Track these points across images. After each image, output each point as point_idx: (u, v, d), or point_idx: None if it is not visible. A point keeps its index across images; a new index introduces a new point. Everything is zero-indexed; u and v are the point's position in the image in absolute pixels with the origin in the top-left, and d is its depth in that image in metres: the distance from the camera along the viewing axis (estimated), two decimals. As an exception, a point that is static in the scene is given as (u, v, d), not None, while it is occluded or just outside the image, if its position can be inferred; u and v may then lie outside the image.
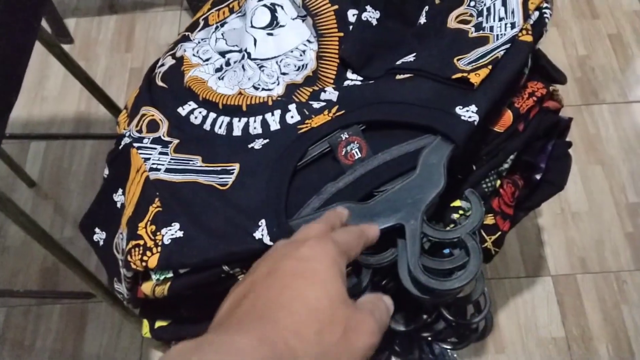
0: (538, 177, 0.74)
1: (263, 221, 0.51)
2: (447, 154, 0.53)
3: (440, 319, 0.63)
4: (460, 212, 0.59)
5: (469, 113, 0.53)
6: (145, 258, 0.53)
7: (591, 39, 1.47)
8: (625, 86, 1.39)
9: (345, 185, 0.54)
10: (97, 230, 0.68)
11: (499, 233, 0.65)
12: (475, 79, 0.54)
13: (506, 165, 0.63)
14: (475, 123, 0.53)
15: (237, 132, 0.60)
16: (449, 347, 0.65)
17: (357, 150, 0.55)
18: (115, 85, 1.47)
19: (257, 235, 0.51)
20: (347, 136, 0.55)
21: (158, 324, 0.66)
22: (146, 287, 0.57)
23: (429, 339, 0.65)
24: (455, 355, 0.75)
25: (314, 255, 0.34)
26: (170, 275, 0.55)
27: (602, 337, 1.09)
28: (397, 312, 0.65)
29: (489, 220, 0.64)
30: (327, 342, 0.30)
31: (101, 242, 0.67)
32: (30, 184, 1.31)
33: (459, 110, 0.54)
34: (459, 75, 0.55)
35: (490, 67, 0.55)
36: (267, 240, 0.50)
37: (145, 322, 0.67)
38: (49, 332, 1.16)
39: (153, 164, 0.59)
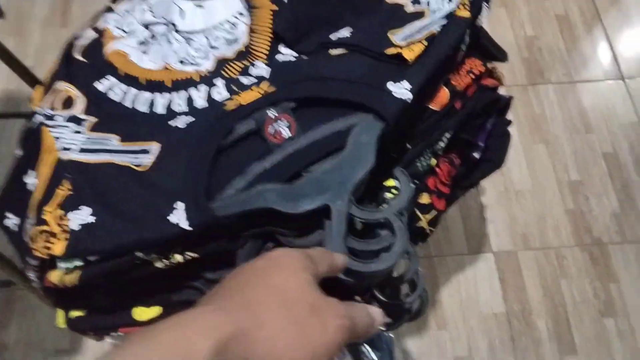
0: (477, 155, 0.73)
1: (180, 204, 0.48)
2: (377, 132, 0.51)
3: (373, 300, 0.62)
4: (394, 191, 0.58)
5: (401, 90, 0.51)
6: (50, 245, 0.49)
7: (539, 19, 1.47)
8: (571, 67, 1.40)
9: (272, 166, 0.51)
10: (8, 214, 0.63)
11: (435, 212, 0.64)
12: (409, 54, 0.52)
13: (442, 144, 0.61)
14: (408, 100, 0.51)
15: (160, 109, 0.57)
16: (382, 328, 0.64)
17: (285, 128, 0.52)
18: (50, 62, 1.38)
19: (173, 219, 0.48)
20: (275, 114, 0.52)
21: (73, 313, 0.62)
22: (54, 276, 0.53)
23: (363, 320, 0.63)
24: (391, 335, 0.75)
25: (282, 254, 0.35)
26: (80, 263, 0.51)
27: (541, 312, 1.11)
28: (328, 294, 0.63)
29: (424, 199, 0.63)
30: (294, 314, 0.30)
31: (13, 227, 0.62)
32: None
33: (391, 86, 0.52)
34: (393, 50, 0.53)
35: (425, 42, 0.53)
36: (184, 224, 0.47)
37: (61, 312, 0.63)
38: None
39: (65, 143, 0.55)
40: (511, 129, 0.76)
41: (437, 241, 1.18)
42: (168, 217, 0.47)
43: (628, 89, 1.37)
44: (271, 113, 0.51)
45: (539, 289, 1.13)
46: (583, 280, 1.14)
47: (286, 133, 0.51)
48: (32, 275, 0.56)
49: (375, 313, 0.37)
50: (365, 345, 0.72)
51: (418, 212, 0.63)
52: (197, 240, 0.51)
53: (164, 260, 0.51)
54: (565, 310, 1.11)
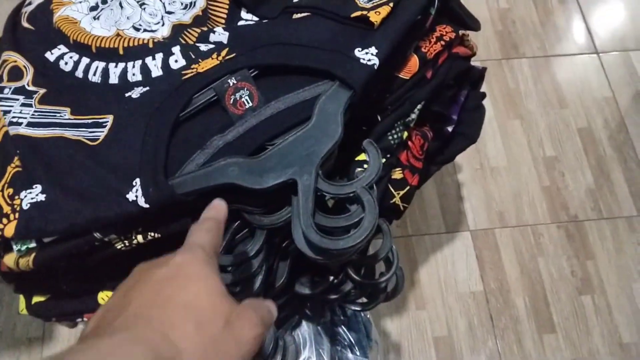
0: (450, 129, 0.71)
1: (137, 180, 0.45)
2: (345, 101, 0.48)
3: (347, 280, 0.59)
4: (365, 166, 0.55)
5: (368, 56, 0.49)
6: (0, 226, 0.46)
7: (513, -8, 1.45)
8: (545, 40, 1.39)
9: (234, 138, 0.48)
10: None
11: (408, 187, 0.61)
12: (375, 17, 0.49)
13: (413, 116, 0.59)
14: (375, 67, 0.48)
15: (113, 79, 0.53)
16: (358, 308, 0.62)
17: (247, 98, 0.49)
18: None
19: (131, 196, 0.45)
20: (235, 82, 0.49)
21: (35, 299, 0.59)
22: (8, 260, 0.49)
23: (338, 301, 0.61)
24: (368, 316, 0.73)
25: (186, 261, 0.33)
26: (34, 245, 0.48)
27: (519, 289, 1.11)
28: (302, 275, 0.61)
29: (397, 174, 0.61)
30: (210, 334, 0.29)
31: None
32: None
33: (357, 52, 0.49)
34: (358, 13, 0.50)
35: (391, 4, 0.50)
36: (141, 202, 0.44)
37: (22, 298, 0.60)
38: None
39: (13, 117, 0.51)
40: (486, 104, 0.74)
41: (414, 220, 1.16)
42: (126, 195, 0.44)
43: (602, 63, 1.36)
44: (231, 81, 0.48)
45: (516, 267, 1.13)
46: (560, 258, 1.14)
47: (248, 103, 0.48)
48: None
49: (272, 307, 0.36)
50: (342, 327, 0.70)
51: (391, 188, 0.61)
52: (157, 219, 0.48)
53: (125, 242, 0.48)
54: (543, 288, 1.11)
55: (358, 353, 0.68)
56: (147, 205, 0.44)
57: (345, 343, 0.69)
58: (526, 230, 1.16)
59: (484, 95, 0.77)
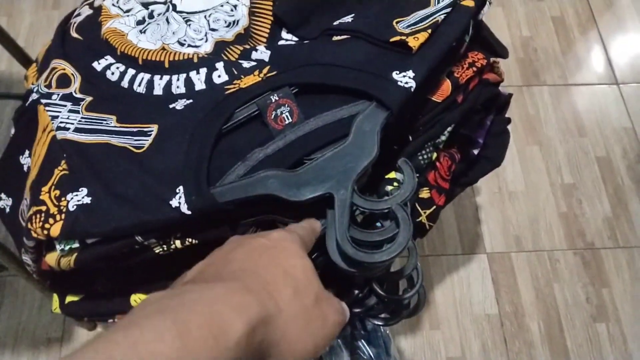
0: (476, 152, 0.73)
1: (181, 188, 0.47)
2: (381, 121, 0.50)
3: (371, 294, 0.61)
4: (395, 184, 0.57)
5: (405, 78, 0.51)
6: (47, 226, 0.48)
7: (535, 20, 1.48)
8: (565, 69, 1.41)
9: (274, 152, 0.50)
10: (2, 196, 0.62)
11: (434, 207, 0.63)
12: (413, 42, 0.51)
13: (443, 137, 0.60)
14: (412, 89, 0.50)
15: (158, 90, 0.56)
16: (380, 323, 0.63)
17: (287, 114, 0.51)
18: (40, 44, 1.37)
19: (174, 203, 0.47)
20: (277, 98, 0.51)
21: (69, 298, 0.61)
22: (50, 258, 0.52)
23: (361, 315, 0.63)
24: (387, 332, 0.74)
25: (283, 238, 0.35)
26: (77, 245, 0.50)
27: (534, 314, 1.11)
28: (327, 287, 0.62)
29: (424, 193, 0.62)
30: (303, 304, 0.30)
31: (7, 209, 0.61)
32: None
33: (395, 75, 0.51)
34: (397, 38, 0.52)
35: (429, 30, 0.52)
36: (184, 208, 0.46)
37: (55, 297, 0.62)
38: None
39: (61, 122, 0.54)
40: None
41: (431, 240, 1.17)
42: (169, 202, 0.46)
43: (622, 93, 1.38)
44: (273, 97, 0.50)
45: (531, 291, 1.13)
46: (575, 284, 1.14)
47: (288, 119, 0.50)
48: (27, 258, 0.55)
49: (346, 310, 0.37)
50: (362, 341, 0.71)
51: (418, 207, 0.63)
52: (196, 226, 0.49)
53: (163, 246, 0.50)
54: (557, 314, 1.11)
55: (377, 368, 0.69)
56: (189, 212, 0.46)
57: (365, 357, 0.70)
58: (542, 256, 1.17)
59: (509, 120, 0.79)
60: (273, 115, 0.51)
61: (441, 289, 1.13)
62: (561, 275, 1.15)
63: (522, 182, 1.25)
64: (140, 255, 0.52)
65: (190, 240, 0.50)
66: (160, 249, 0.51)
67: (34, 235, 0.49)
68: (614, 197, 1.24)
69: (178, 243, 0.50)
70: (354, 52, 0.53)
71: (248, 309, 0.26)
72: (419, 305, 0.67)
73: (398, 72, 0.51)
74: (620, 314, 1.11)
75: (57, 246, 0.50)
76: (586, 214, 1.22)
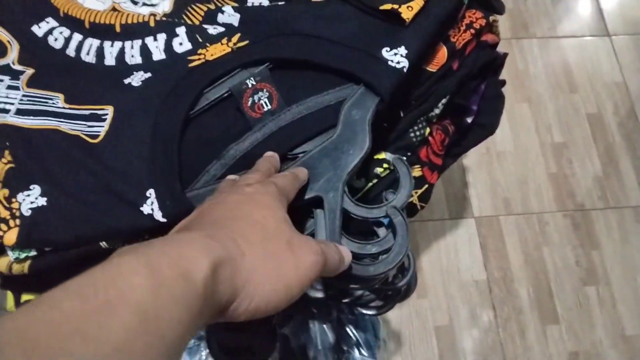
0: (469, 120, 0.67)
1: (152, 191, 0.41)
2: (372, 107, 0.43)
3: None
4: (385, 165, 0.51)
5: (397, 57, 0.44)
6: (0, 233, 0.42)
7: (524, -32, 1.39)
8: (555, 20, 1.34)
9: (252, 146, 0.44)
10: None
11: (426, 186, 0.57)
12: (407, 13, 0.45)
13: (437, 111, 0.54)
14: (405, 69, 0.44)
15: (109, 60, 0.48)
16: (371, 312, 0.58)
17: (266, 100, 0.44)
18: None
19: (146, 209, 0.40)
20: (254, 83, 0.44)
21: (24, 297, 0.55)
22: (1, 264, 0.45)
23: (350, 305, 0.58)
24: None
25: (258, 191, 0.36)
26: (34, 253, 0.43)
27: (523, 279, 1.08)
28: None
29: (416, 172, 0.56)
30: (272, 249, 0.32)
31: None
32: None
33: (385, 53, 0.44)
34: (388, 6, 0.45)
35: (423, -1, 0.45)
36: (158, 215, 0.40)
37: (10, 295, 0.56)
38: None
39: (0, 102, 0.46)
40: None
41: (417, 206, 1.12)
42: (140, 208, 0.40)
43: (613, 46, 1.32)
44: (250, 82, 0.43)
45: (520, 256, 1.10)
46: (565, 247, 1.12)
47: (267, 105, 0.43)
48: None
49: (344, 251, 0.37)
50: (350, 326, 0.67)
51: (409, 186, 0.57)
52: (168, 229, 0.43)
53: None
54: (547, 278, 1.09)
55: (366, 353, 0.66)
56: (164, 220, 0.40)
57: (353, 342, 0.66)
58: (532, 218, 1.13)
59: (503, 82, 0.73)
60: (250, 102, 0.44)
61: (428, 256, 1.09)
62: (550, 238, 1.12)
63: (511, 142, 1.20)
64: (104, 258, 0.45)
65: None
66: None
67: (-17, 241, 0.42)
68: (605, 156, 1.20)
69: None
70: (337, 21, 0.46)
71: (210, 250, 0.28)
72: (410, 289, 0.63)
73: (389, 49, 0.44)
74: (610, 276, 1.09)
75: (10, 253, 0.44)
76: (576, 174, 1.18)
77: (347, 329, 0.66)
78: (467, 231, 1.11)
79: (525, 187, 1.16)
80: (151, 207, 0.40)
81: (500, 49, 0.64)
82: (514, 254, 1.10)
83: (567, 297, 1.07)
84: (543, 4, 1.35)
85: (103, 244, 0.42)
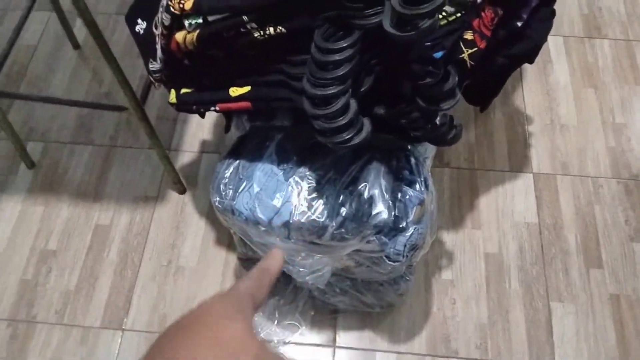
0: (519, 24, 0.85)
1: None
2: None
3: (415, 108, 0.75)
4: (444, 13, 0.71)
5: None
6: (182, 2, 0.66)
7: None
8: (628, 28, 1.49)
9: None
10: (139, 21, 0.81)
11: (476, 49, 0.76)
12: None
13: (487, -15, 0.74)
14: None
15: None
16: (419, 133, 0.77)
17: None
18: None
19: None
20: None
21: (183, 90, 0.79)
22: (179, 36, 0.70)
23: (405, 125, 0.77)
24: (429, 171, 0.86)
25: (214, 301, 0.34)
26: (200, 21, 0.68)
27: (572, 227, 1.20)
28: (379, 100, 0.77)
29: (468, 35, 0.76)
30: None
31: (141, 32, 0.81)
32: (75, 46, 1.46)
33: None
34: None
35: None
36: None
37: (172, 91, 0.80)
38: (79, 166, 1.31)
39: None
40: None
41: (481, 157, 1.29)
42: None
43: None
44: None
45: (572, 209, 1.22)
46: (616, 208, 1.22)
47: None
48: (153, 65, 0.74)
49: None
50: (405, 170, 0.85)
51: (462, 45, 0.76)
52: (285, 15, 0.66)
53: (260, 31, 0.67)
54: (595, 230, 1.19)
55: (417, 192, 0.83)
56: None
57: (406, 182, 0.84)
58: (586, 181, 1.25)
59: (553, 12, 0.91)
60: None
61: (485, 197, 1.24)
62: (603, 199, 1.23)
63: (574, 117, 1.34)
64: (242, 39, 0.69)
65: (280, 28, 0.67)
66: (258, 34, 0.68)
67: (172, 10, 0.67)
68: (665, 139, 1.31)
69: (271, 30, 0.67)
70: None
71: None
72: (457, 136, 0.81)
73: None
74: (658, 239, 1.18)
75: (185, 22, 0.68)
76: (634, 150, 1.29)
77: (404, 172, 0.84)
78: (524, 183, 1.25)
79: (584, 154, 1.29)
80: None
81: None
82: (566, 206, 1.22)
83: (614, 249, 1.17)
84: (617, 14, 1.51)
85: (245, 17, 0.65)
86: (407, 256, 0.83)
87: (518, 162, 1.28)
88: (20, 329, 1.12)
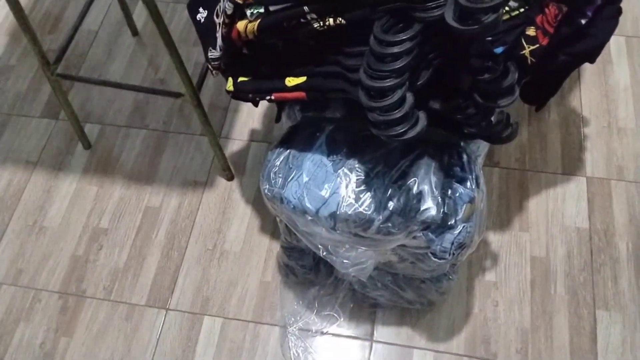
0: (583, 21, 0.83)
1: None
2: None
3: (472, 104, 0.74)
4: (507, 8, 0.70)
5: None
6: (246, -8, 0.68)
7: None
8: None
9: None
10: (200, 9, 0.83)
11: (538, 45, 0.75)
12: None
13: (553, -20, 0.72)
14: None
15: None
16: (474, 129, 0.76)
17: None
18: None
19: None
20: None
21: (240, 79, 0.80)
22: (241, 25, 0.71)
23: (461, 121, 0.76)
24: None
25: None
26: (262, 11, 0.68)
27: (624, 235, 1.16)
28: (435, 94, 0.76)
29: (531, 31, 0.74)
30: None
31: (202, 20, 0.82)
32: (134, 33, 1.50)
33: None
34: None
35: None
36: None
37: (230, 79, 0.82)
38: (132, 150, 1.35)
39: None
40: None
41: (533, 158, 1.26)
42: None
43: None
44: None
45: (625, 215, 1.18)
46: (674, 218, 1.18)
47: None
48: (212, 53, 0.75)
49: None
50: (456, 167, 0.84)
51: (523, 42, 0.75)
52: (345, 6, 0.66)
53: (320, 22, 0.68)
54: (649, 240, 1.15)
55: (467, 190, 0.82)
56: None
57: (457, 179, 0.83)
58: (643, 188, 1.21)
59: (620, 10, 0.88)
60: None
61: (535, 199, 1.21)
62: (660, 207, 1.19)
63: (633, 121, 1.29)
64: (302, 29, 0.69)
65: (340, 20, 0.67)
66: (318, 24, 0.68)
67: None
68: None
69: (331, 21, 0.67)
70: None
71: None
72: (512, 133, 0.80)
73: None
74: None
75: (247, 12, 0.69)
76: (697, 158, 1.24)
77: (455, 169, 0.83)
78: (576, 186, 1.22)
79: (641, 160, 1.25)
80: None
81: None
82: (620, 213, 1.18)
83: (669, 261, 1.13)
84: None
85: (306, 8, 0.66)
86: (453, 254, 0.82)
87: (571, 164, 1.25)
88: (70, 302, 1.17)
